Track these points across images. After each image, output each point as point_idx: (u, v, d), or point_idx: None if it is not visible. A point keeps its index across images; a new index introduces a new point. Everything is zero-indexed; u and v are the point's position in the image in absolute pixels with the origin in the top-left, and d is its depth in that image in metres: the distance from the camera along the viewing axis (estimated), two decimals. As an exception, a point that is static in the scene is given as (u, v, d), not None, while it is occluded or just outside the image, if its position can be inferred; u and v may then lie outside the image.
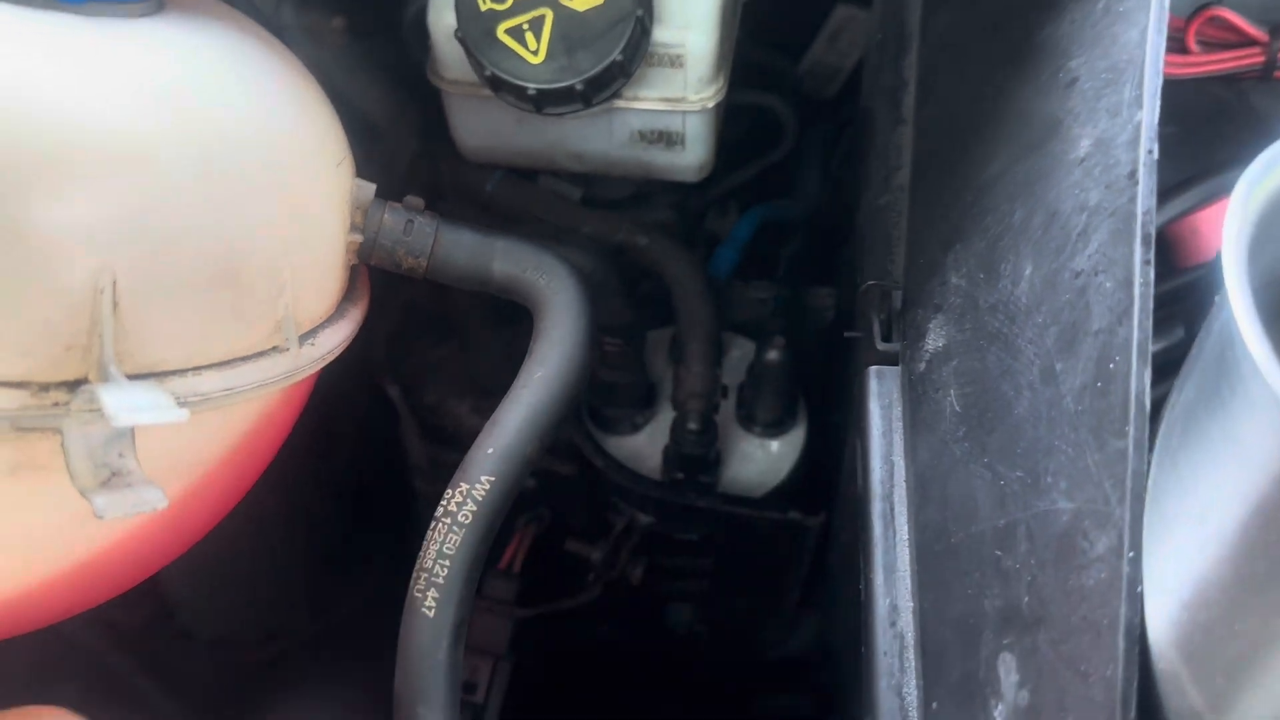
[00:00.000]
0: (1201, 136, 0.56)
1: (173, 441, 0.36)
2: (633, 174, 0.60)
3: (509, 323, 0.66)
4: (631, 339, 0.64)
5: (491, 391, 0.68)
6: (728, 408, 0.67)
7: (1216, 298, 0.32)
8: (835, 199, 0.78)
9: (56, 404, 0.32)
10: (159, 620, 0.74)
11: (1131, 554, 0.32)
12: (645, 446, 0.67)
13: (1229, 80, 0.59)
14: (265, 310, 0.38)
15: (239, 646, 0.73)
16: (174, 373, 0.35)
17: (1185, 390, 0.33)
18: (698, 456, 0.63)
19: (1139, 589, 0.32)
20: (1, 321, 0.31)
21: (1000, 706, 0.36)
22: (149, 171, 0.34)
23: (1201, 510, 0.32)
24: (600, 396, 0.66)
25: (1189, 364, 0.34)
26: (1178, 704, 0.34)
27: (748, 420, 0.67)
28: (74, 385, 0.33)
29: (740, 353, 0.69)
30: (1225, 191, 0.56)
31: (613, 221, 0.62)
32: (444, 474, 0.68)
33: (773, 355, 0.63)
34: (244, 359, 0.37)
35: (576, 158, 0.59)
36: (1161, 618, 0.34)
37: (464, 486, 0.43)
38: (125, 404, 0.31)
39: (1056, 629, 0.35)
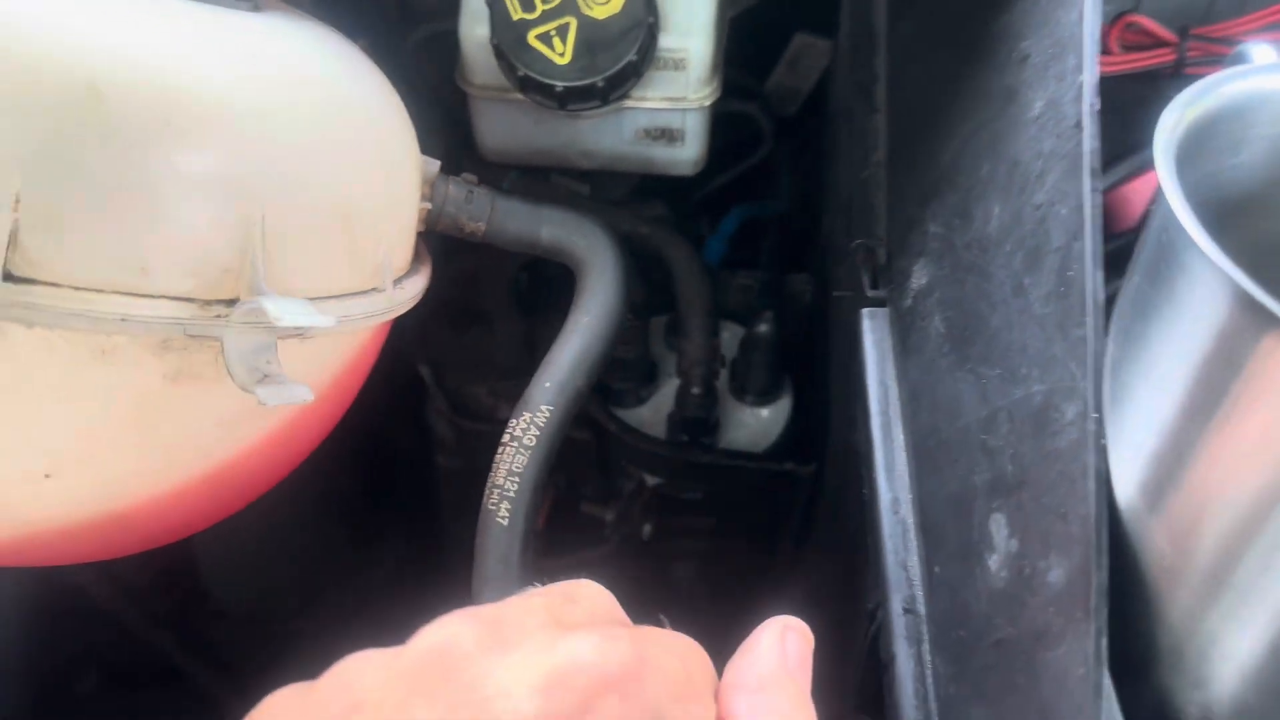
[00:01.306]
0: (1125, 124, 0.65)
1: (298, 360, 0.43)
2: (637, 168, 0.68)
3: (527, 314, 0.74)
4: (640, 318, 0.72)
5: (509, 374, 0.76)
6: (722, 383, 0.75)
7: (1153, 205, 0.40)
8: (805, 199, 0.88)
9: (218, 316, 0.39)
10: (194, 601, 0.79)
11: (1095, 415, 0.40)
12: (649, 417, 0.74)
13: (1146, 76, 0.69)
14: (368, 256, 0.45)
15: (271, 619, 0.78)
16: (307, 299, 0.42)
17: (1133, 279, 0.42)
18: (700, 419, 0.70)
19: (1103, 442, 0.40)
20: (175, 246, 0.38)
21: (994, 557, 0.44)
22: (285, 132, 0.41)
23: (1154, 371, 0.40)
24: (610, 371, 0.73)
25: (1134, 260, 0.42)
26: (1140, 536, 0.41)
27: (740, 391, 0.75)
28: (229, 303, 0.39)
29: (730, 334, 0.77)
30: (1149, 166, 0.66)
31: (618, 214, 0.70)
32: (467, 447, 0.75)
33: (763, 329, 0.71)
34: (354, 294, 0.44)
35: (587, 155, 0.67)
36: (1126, 467, 0.41)
37: (527, 415, 0.50)
38: (285, 310, 0.38)
39: (1037, 486, 0.42)
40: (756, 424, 0.74)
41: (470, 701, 0.27)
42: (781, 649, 0.33)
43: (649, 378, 0.75)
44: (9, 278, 0.35)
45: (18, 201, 0.35)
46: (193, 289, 0.39)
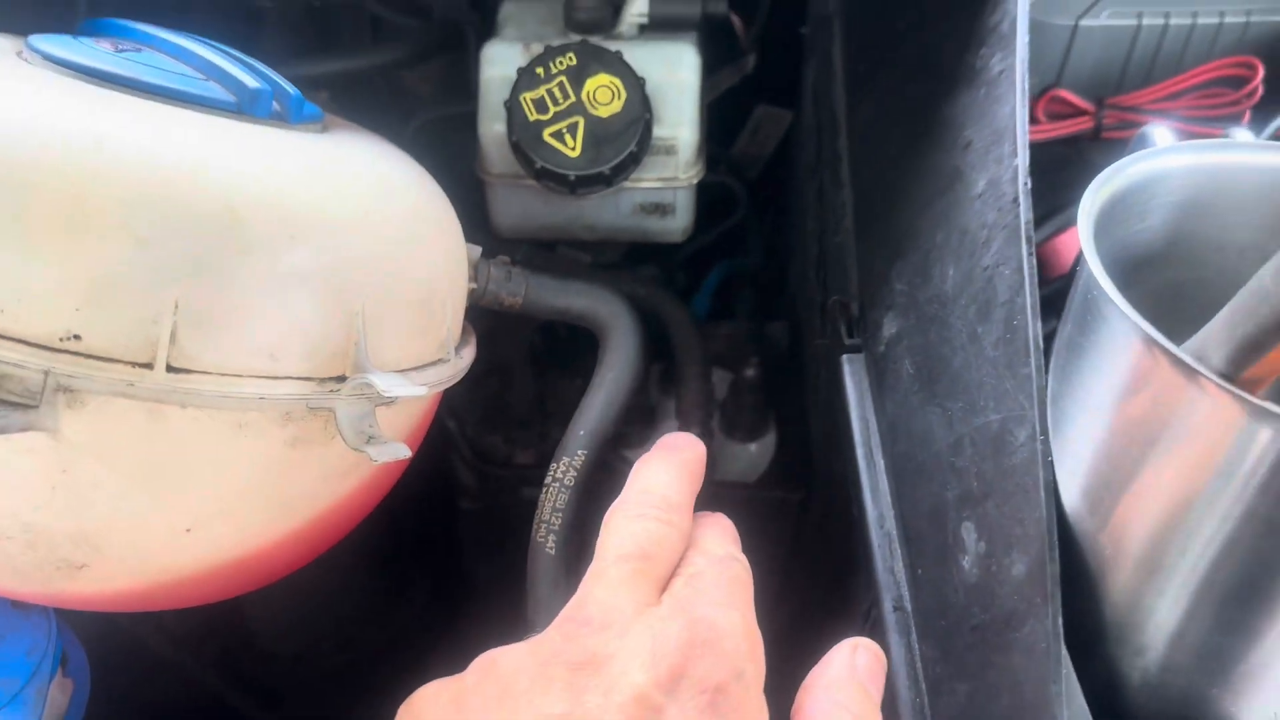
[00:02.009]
0: (1051, 184, 0.75)
1: (385, 422, 0.51)
2: (633, 239, 0.77)
3: (539, 370, 0.83)
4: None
5: (523, 424, 0.84)
6: (714, 422, 0.84)
7: (1078, 264, 0.50)
8: (771, 254, 0.98)
9: (331, 390, 0.47)
10: (242, 645, 0.86)
11: (1042, 437, 0.49)
12: (651, 457, 0.83)
13: (1069, 141, 0.80)
14: (438, 331, 0.54)
15: (313, 659, 0.86)
16: (395, 372, 0.50)
17: (1066, 327, 0.51)
18: (699, 456, 0.79)
19: (1050, 459, 0.49)
20: (297, 335, 0.47)
21: (966, 557, 0.53)
22: (377, 235, 0.50)
23: (1086, 401, 0.48)
24: (616, 417, 0.82)
25: (1065, 311, 0.52)
26: (1084, 534, 0.50)
27: (731, 429, 0.84)
28: (339, 379, 0.48)
29: (718, 379, 0.86)
30: (1074, 221, 0.77)
31: (617, 278, 0.79)
32: (487, 491, 0.83)
33: (750, 374, 0.80)
34: (428, 365, 0.53)
35: (590, 229, 0.76)
36: (1069, 479, 0.50)
37: (566, 459, 0.59)
38: (390, 384, 0.47)
39: (999, 497, 0.51)
40: (747, 458, 0.83)
41: (596, 683, 0.35)
42: (851, 661, 0.41)
43: (649, 421, 0.84)
44: (170, 369, 0.44)
45: (177, 307, 0.43)
46: (311, 369, 0.47)
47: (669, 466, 0.46)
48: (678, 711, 0.35)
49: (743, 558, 0.43)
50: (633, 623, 0.38)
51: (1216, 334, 0.43)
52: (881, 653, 0.42)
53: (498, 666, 0.37)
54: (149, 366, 0.43)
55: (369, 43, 0.93)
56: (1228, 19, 0.78)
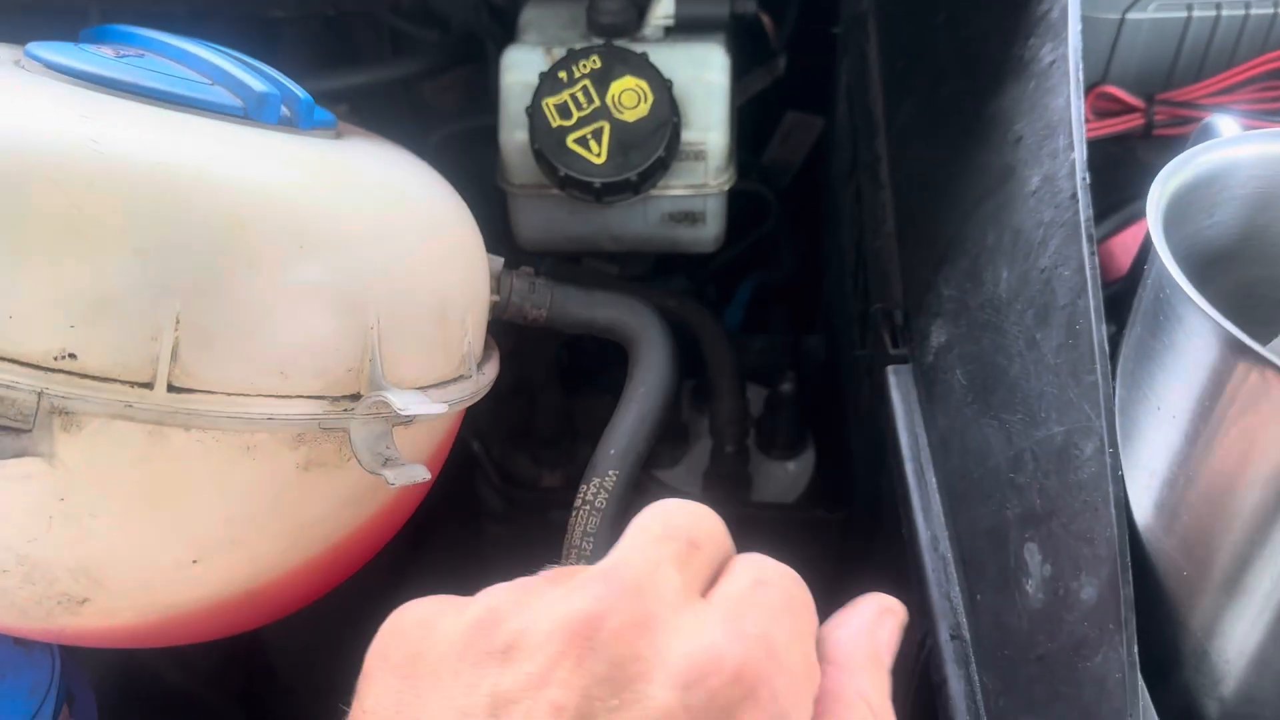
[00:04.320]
0: (1103, 183, 0.72)
1: (404, 442, 0.48)
2: (662, 249, 0.74)
3: (566, 387, 0.80)
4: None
5: (549, 443, 0.81)
6: (750, 440, 0.81)
7: (1143, 264, 0.47)
8: (804, 264, 0.94)
9: (345, 410, 0.44)
10: (263, 680, 0.83)
11: (1111, 450, 0.46)
12: (684, 475, 0.80)
13: (1119, 140, 0.76)
14: (457, 347, 0.51)
15: (336, 693, 0.83)
16: (413, 389, 0.47)
17: (1134, 330, 0.48)
18: (734, 474, 0.76)
19: (1120, 472, 0.46)
20: (308, 352, 0.44)
21: (1030, 581, 0.49)
22: (393, 247, 0.47)
23: (1159, 407, 0.45)
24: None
25: (1133, 313, 0.48)
26: (1159, 553, 0.47)
27: (768, 447, 0.80)
28: (354, 397, 0.45)
29: (752, 395, 0.83)
30: (1129, 221, 0.74)
31: (646, 290, 0.76)
32: (517, 514, 0.80)
33: (786, 388, 0.77)
34: (448, 382, 0.50)
35: (617, 239, 0.73)
36: (1141, 493, 0.47)
37: (596, 480, 0.56)
38: (407, 401, 0.44)
39: (1065, 515, 0.48)
40: (785, 476, 0.80)
41: (614, 679, 0.28)
42: (874, 630, 0.35)
43: (681, 439, 0.80)
44: (171, 389, 0.41)
45: (178, 322, 0.41)
46: (323, 387, 0.44)
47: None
48: None
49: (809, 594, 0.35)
50: (673, 614, 0.30)
51: (1307, 333, 0.40)
52: (905, 615, 0.36)
53: (502, 621, 0.30)
54: (149, 386, 0.40)
55: (388, 56, 0.91)
56: (1283, 9, 0.74)
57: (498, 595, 0.32)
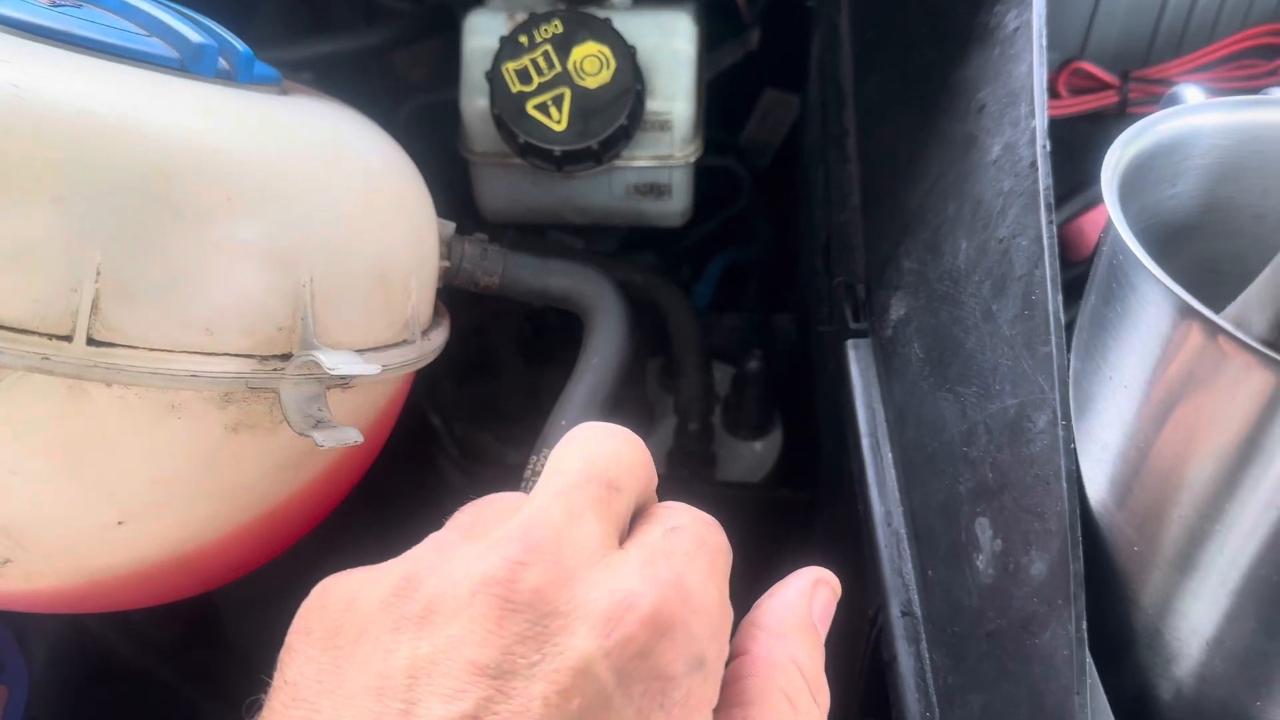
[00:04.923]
0: (1075, 162, 0.71)
1: (341, 407, 0.47)
2: (628, 222, 0.73)
3: (530, 362, 0.78)
4: (635, 361, 0.76)
5: (513, 420, 0.80)
6: (716, 419, 0.79)
7: (1103, 233, 0.46)
8: (780, 244, 0.93)
9: (275, 369, 0.43)
10: (222, 655, 0.82)
11: (1064, 423, 0.45)
12: (649, 455, 0.78)
13: (1093, 117, 0.75)
14: (400, 311, 0.49)
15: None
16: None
17: (1089, 299, 0.46)
18: (699, 453, 0.75)
19: (1072, 446, 0.44)
20: (236, 309, 0.42)
21: (980, 556, 0.48)
22: (329, 203, 0.46)
23: (1113, 380, 0.44)
24: (610, 413, 0.77)
25: (1089, 282, 0.47)
26: (1110, 528, 0.46)
27: (734, 426, 0.79)
28: (284, 357, 0.44)
29: (720, 374, 0.82)
30: (1099, 201, 0.72)
31: (614, 264, 0.75)
32: (480, 490, 0.79)
33: (753, 366, 0.76)
34: (388, 346, 0.49)
35: (582, 211, 0.72)
36: (1094, 468, 0.46)
37: (545, 451, 0.55)
38: (338, 361, 0.42)
39: (1016, 489, 0.47)
40: (751, 456, 0.79)
41: (534, 636, 0.28)
42: (809, 599, 0.35)
43: (646, 418, 0.79)
44: (91, 342, 0.40)
45: (99, 274, 0.39)
46: (252, 346, 0.43)
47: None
48: (622, 697, 0.28)
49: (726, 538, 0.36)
50: (590, 567, 0.30)
51: (1258, 298, 0.39)
52: (839, 586, 0.37)
53: (419, 585, 0.30)
54: (67, 339, 0.39)
55: (362, 27, 0.90)
56: (1263, -14, 0.73)
57: (414, 558, 0.31)
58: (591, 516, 0.31)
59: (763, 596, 0.36)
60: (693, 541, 0.32)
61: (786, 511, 0.75)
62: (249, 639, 0.82)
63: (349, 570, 0.33)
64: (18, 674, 0.53)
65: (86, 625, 0.76)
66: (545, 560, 0.29)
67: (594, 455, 0.33)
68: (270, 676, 0.32)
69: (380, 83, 0.92)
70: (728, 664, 0.33)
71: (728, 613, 0.32)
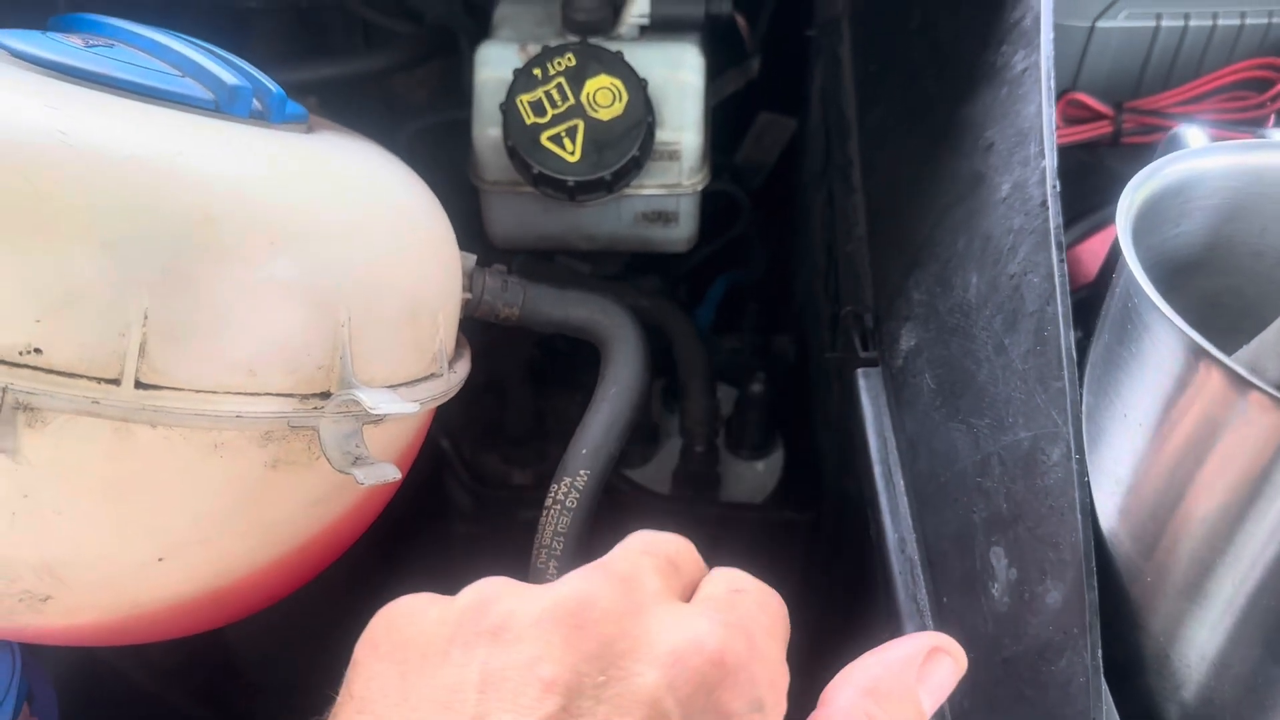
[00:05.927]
0: (1071, 190, 0.72)
1: (374, 441, 0.48)
2: (635, 248, 0.74)
3: (542, 385, 0.79)
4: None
5: (519, 442, 0.81)
6: (719, 440, 0.81)
7: (1112, 271, 0.47)
8: (776, 265, 0.94)
9: (315, 408, 0.44)
10: (229, 679, 0.83)
11: (1078, 456, 0.46)
12: (654, 475, 0.80)
13: (1087, 147, 0.77)
14: (429, 345, 0.50)
15: (303, 690, 0.82)
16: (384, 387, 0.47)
17: (1102, 337, 0.48)
18: (703, 474, 0.76)
19: (1086, 479, 0.46)
20: (277, 349, 0.43)
21: (996, 585, 0.50)
22: (364, 243, 0.46)
23: (1125, 415, 0.46)
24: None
25: (1101, 321, 0.49)
26: (1123, 558, 0.47)
27: (737, 447, 0.80)
28: (324, 395, 0.45)
29: (722, 394, 0.83)
30: (1097, 228, 0.74)
31: (619, 289, 0.76)
32: (487, 514, 0.80)
33: (756, 388, 0.77)
34: (418, 380, 0.50)
35: (590, 238, 0.73)
36: (1106, 500, 0.47)
37: (567, 480, 0.56)
38: (378, 400, 0.43)
39: (1031, 520, 0.48)
40: (754, 477, 0.80)
41: (602, 656, 0.29)
42: (915, 665, 0.34)
43: (651, 439, 0.80)
44: (139, 385, 0.40)
45: (146, 318, 0.40)
46: (293, 385, 0.44)
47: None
48: None
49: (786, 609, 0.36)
50: (657, 605, 0.31)
51: (1272, 344, 0.40)
52: (964, 660, 0.36)
53: (492, 605, 0.31)
54: (116, 382, 0.40)
55: (360, 48, 0.90)
56: (1249, 20, 0.75)
57: (487, 584, 0.33)
58: (656, 576, 0.33)
59: (867, 652, 0.35)
60: (756, 602, 0.34)
61: (790, 533, 0.77)
62: (254, 659, 0.83)
63: (416, 594, 0.34)
64: (48, 704, 0.54)
65: (96, 651, 0.76)
66: (616, 593, 0.31)
67: (653, 540, 0.35)
68: (330, 690, 0.34)
69: (380, 103, 0.93)
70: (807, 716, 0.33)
71: (786, 671, 0.33)
